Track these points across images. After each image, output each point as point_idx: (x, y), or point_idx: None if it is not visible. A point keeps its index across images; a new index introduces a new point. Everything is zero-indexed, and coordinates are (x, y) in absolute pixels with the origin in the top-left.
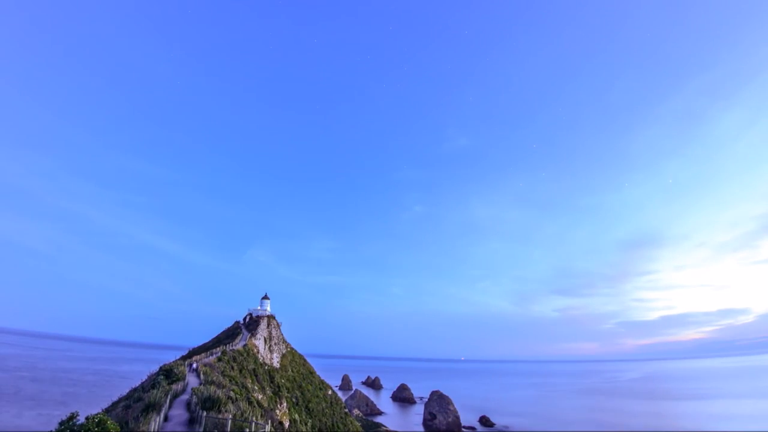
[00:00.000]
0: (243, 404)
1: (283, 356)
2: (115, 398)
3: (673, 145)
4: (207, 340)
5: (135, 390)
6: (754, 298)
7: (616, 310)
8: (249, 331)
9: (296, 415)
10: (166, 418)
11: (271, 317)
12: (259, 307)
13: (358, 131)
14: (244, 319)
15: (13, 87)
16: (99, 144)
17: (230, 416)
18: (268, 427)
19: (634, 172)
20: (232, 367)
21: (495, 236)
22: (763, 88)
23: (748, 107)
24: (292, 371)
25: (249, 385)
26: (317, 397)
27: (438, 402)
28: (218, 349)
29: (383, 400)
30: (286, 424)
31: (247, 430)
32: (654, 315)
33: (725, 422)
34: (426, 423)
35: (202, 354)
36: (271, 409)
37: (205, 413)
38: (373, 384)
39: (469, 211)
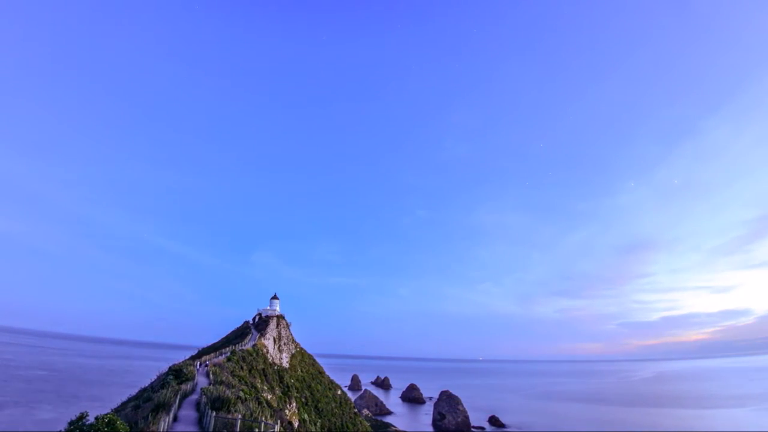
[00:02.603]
0: (252, 404)
1: (293, 356)
2: (124, 398)
3: (664, 153)
4: (216, 340)
5: (144, 390)
6: (754, 299)
7: (617, 311)
8: (258, 331)
9: (305, 415)
10: (175, 418)
11: (280, 317)
12: (268, 307)
13: (359, 132)
14: (254, 319)
15: (18, 95)
16: (107, 149)
17: (240, 416)
18: (277, 427)
19: (627, 178)
20: (242, 367)
21: (496, 239)
22: (750, 99)
23: (737, 117)
24: (302, 371)
25: (258, 385)
26: (326, 397)
27: (447, 402)
28: (227, 349)
29: (392, 400)
30: (296, 424)
31: (257, 430)
32: (655, 316)
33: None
34: (435, 423)
35: (212, 354)
36: (281, 409)
37: (214, 413)
38: (383, 384)
39: (471, 215)
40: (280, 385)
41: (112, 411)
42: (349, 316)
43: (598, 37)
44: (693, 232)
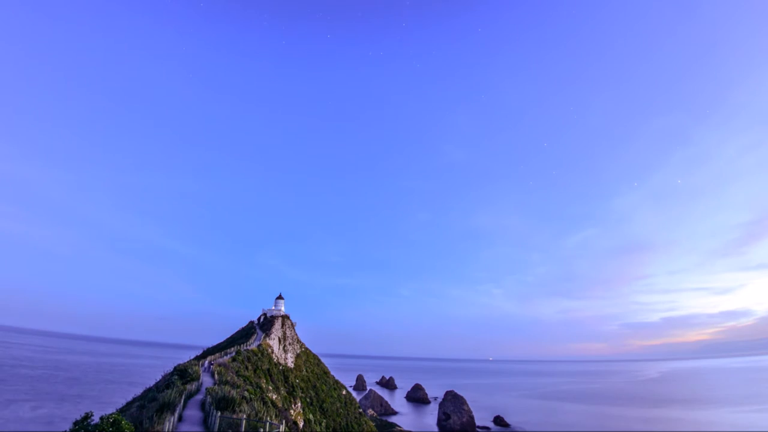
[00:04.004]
0: (257, 404)
1: (298, 356)
2: (129, 398)
3: (659, 158)
4: (221, 340)
5: (149, 390)
6: (755, 301)
7: (618, 312)
8: (263, 331)
9: (310, 415)
10: (180, 418)
11: (285, 317)
12: (273, 307)
13: (361, 136)
14: (259, 319)
15: (32, 102)
16: (116, 156)
17: (245, 416)
18: (282, 427)
19: (625, 181)
20: (247, 367)
21: (496, 241)
22: (740, 106)
23: (728, 124)
24: (307, 371)
25: (263, 385)
26: (331, 397)
27: (452, 402)
28: (233, 348)
29: (397, 400)
30: (301, 424)
31: (262, 430)
32: (656, 317)
33: None
34: (440, 423)
35: (217, 354)
36: (286, 409)
37: (219, 413)
38: (388, 384)
39: (471, 218)
40: (285, 385)
41: (117, 411)
42: (353, 316)
43: (598, 42)
44: (689, 234)
